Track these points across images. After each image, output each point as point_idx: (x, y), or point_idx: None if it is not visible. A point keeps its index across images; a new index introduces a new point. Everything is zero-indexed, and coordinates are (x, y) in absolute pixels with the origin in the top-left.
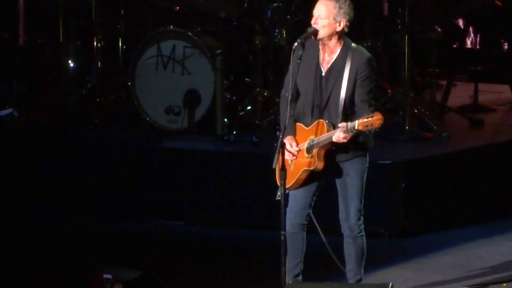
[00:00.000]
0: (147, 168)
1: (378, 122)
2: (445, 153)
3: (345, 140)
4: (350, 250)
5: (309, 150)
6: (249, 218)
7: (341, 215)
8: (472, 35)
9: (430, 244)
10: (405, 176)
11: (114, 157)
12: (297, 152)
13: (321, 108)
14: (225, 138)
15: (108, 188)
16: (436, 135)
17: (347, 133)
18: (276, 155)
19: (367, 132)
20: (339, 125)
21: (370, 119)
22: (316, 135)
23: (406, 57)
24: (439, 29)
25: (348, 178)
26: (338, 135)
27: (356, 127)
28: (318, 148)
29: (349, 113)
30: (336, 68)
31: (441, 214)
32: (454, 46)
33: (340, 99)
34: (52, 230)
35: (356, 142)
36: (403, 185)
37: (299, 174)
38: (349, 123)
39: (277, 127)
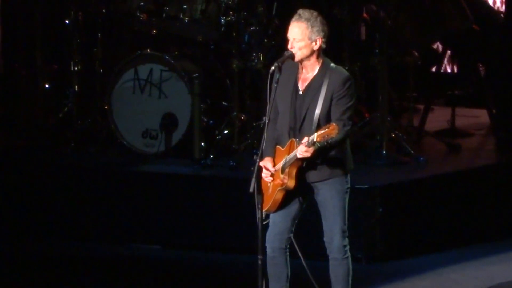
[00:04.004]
0: (124, 192)
1: (333, 131)
2: (423, 178)
3: (308, 154)
4: (336, 273)
5: (283, 169)
6: (226, 242)
7: (326, 238)
8: (449, 59)
9: (408, 268)
10: (382, 200)
11: (91, 181)
12: (274, 173)
13: (297, 128)
14: (202, 162)
15: (84, 212)
16: (413, 159)
17: (308, 146)
18: (253, 179)
19: (325, 143)
20: (302, 140)
21: (326, 130)
22: (289, 154)
23: (383, 81)
24: (416, 53)
25: (329, 199)
26: (301, 149)
27: (315, 139)
28: (289, 167)
29: None
30: (313, 87)
31: (418, 239)
32: (432, 70)
33: (315, 118)
34: (26, 254)
35: (334, 161)
36: (381, 210)
37: (275, 195)
38: (310, 137)
39: (254, 151)
